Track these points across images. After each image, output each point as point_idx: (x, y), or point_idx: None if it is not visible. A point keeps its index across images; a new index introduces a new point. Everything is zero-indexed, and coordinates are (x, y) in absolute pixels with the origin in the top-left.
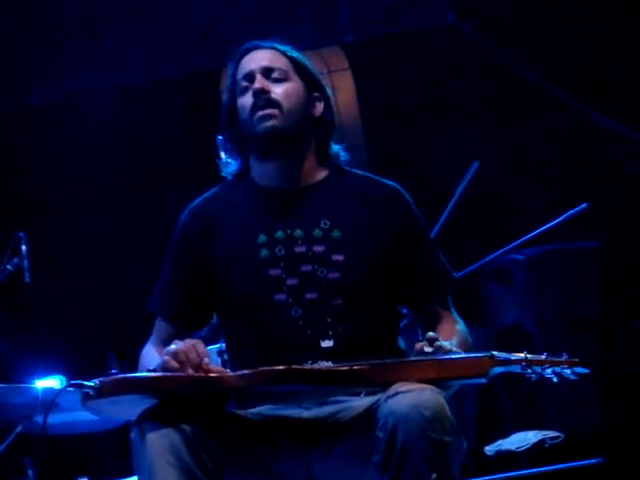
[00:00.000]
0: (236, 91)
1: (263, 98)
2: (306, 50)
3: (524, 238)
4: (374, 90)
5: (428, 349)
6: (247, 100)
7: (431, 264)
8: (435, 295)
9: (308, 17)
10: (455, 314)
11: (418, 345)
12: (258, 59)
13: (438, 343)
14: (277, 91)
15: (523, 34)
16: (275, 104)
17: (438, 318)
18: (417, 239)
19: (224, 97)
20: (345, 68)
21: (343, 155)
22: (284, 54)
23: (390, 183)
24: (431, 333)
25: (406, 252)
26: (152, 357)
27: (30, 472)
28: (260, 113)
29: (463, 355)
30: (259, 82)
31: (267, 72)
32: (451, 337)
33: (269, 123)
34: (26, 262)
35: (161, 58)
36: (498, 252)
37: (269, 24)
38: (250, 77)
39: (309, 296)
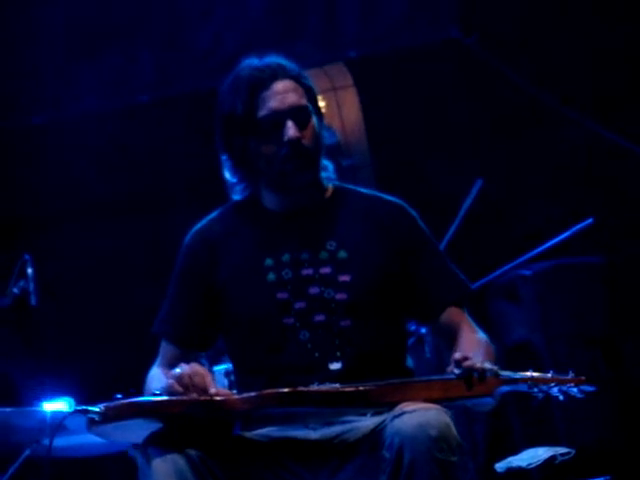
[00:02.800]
0: (253, 126)
1: (297, 148)
2: (310, 67)
3: (530, 254)
4: (379, 107)
5: (457, 371)
6: (274, 146)
7: (442, 271)
8: (449, 300)
9: (311, 33)
10: (473, 323)
11: (449, 369)
12: (282, 96)
13: (469, 363)
14: (307, 136)
15: (528, 49)
16: (308, 153)
17: (456, 328)
18: (425, 251)
19: (227, 116)
20: (349, 85)
21: (330, 168)
22: (301, 84)
23: (394, 199)
24: (457, 355)
25: (415, 265)
26: (158, 380)
27: None
28: (295, 164)
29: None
30: (293, 131)
31: (294, 114)
32: (474, 348)
33: (305, 177)
34: (32, 285)
35: (163, 78)
36: (504, 268)
37: (272, 41)
38: (277, 119)
39: (317, 318)
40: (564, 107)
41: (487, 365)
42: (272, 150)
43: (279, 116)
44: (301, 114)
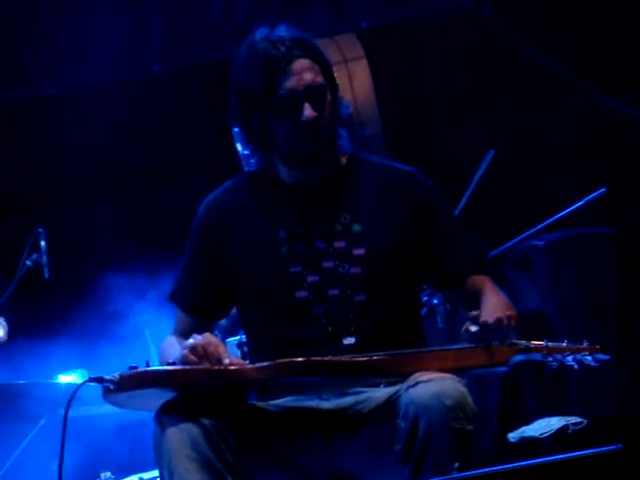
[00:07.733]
0: (270, 104)
1: (313, 129)
2: (320, 38)
3: (543, 224)
4: (390, 77)
5: (474, 328)
6: (292, 126)
7: (459, 237)
8: (470, 265)
9: (322, 3)
10: (496, 287)
11: (464, 327)
12: (299, 76)
13: (484, 319)
14: (323, 115)
15: (539, 18)
16: (324, 133)
17: (479, 292)
18: (441, 218)
19: (244, 92)
20: (361, 56)
21: (345, 136)
22: (317, 60)
23: (406, 167)
24: (474, 312)
25: (432, 233)
26: (173, 349)
27: (54, 465)
28: (311, 145)
29: (482, 344)
30: (309, 112)
31: (311, 94)
32: (497, 308)
33: (321, 156)
34: (45, 258)
35: (176, 46)
36: (517, 238)
37: (283, 12)
38: (294, 99)
39: (331, 293)
40: (577, 78)
41: (509, 331)
42: (289, 130)
43: (296, 96)
44: (317, 93)
